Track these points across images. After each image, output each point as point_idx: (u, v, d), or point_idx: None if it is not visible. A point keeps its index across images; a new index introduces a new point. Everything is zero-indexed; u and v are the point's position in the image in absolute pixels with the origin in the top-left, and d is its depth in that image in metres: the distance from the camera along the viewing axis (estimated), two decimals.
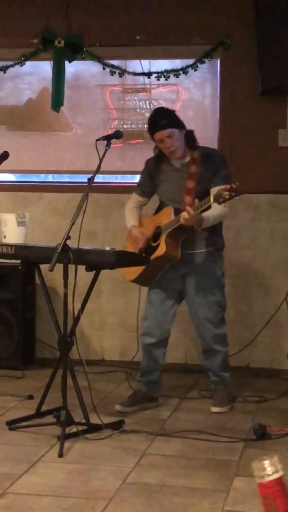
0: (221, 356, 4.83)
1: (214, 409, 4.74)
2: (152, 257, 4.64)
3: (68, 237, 4.09)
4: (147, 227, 4.81)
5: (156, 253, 4.65)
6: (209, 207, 4.37)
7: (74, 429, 4.16)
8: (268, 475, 1.45)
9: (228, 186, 4.18)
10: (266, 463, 1.45)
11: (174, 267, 4.68)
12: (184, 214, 4.41)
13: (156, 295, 4.80)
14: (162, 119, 4.64)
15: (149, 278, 4.77)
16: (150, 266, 4.64)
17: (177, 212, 4.56)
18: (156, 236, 4.73)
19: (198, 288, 4.72)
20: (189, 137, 4.70)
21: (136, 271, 4.73)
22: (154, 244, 4.71)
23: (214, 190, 4.50)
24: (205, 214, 4.44)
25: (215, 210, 4.47)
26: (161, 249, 4.62)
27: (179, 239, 4.62)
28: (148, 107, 6.05)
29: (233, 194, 4.17)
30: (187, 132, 4.70)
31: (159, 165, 4.77)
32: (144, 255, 4.67)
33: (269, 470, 1.45)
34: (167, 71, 5.79)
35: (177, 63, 5.83)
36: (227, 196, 4.18)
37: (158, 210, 4.85)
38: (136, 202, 4.94)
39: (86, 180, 4.27)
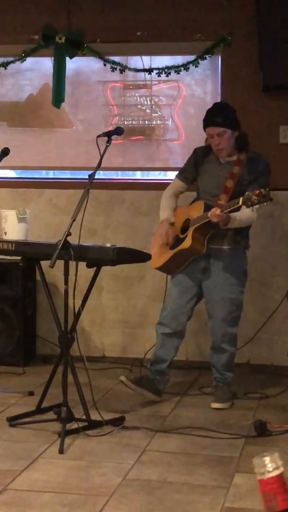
0: (227, 356, 4.83)
1: (215, 405, 4.75)
2: (178, 248, 4.72)
3: (69, 234, 4.09)
4: (179, 218, 4.85)
5: (182, 245, 4.71)
6: (238, 208, 4.43)
7: (74, 425, 4.16)
8: (269, 471, 1.45)
9: (257, 191, 4.25)
10: (267, 459, 1.45)
11: (196, 260, 4.73)
12: (213, 211, 4.48)
13: (175, 287, 4.84)
14: (218, 116, 4.68)
15: (173, 268, 4.83)
16: (175, 256, 4.73)
17: (207, 207, 4.62)
18: (185, 228, 4.77)
19: (216, 284, 4.75)
20: (241, 140, 4.73)
21: (162, 259, 4.81)
22: (181, 236, 4.77)
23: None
24: (232, 214, 4.51)
25: (243, 214, 4.56)
26: (187, 243, 4.68)
27: (206, 234, 4.66)
28: (149, 103, 6.04)
29: (261, 199, 4.25)
30: (240, 134, 4.73)
31: (206, 155, 4.82)
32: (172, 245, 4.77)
33: (269, 466, 1.45)
34: (168, 68, 5.78)
35: (178, 60, 5.82)
36: (255, 200, 4.26)
37: (193, 202, 4.89)
38: (175, 188, 4.97)
39: (87, 177, 4.27)
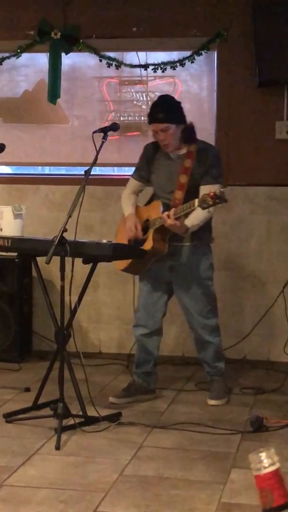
0: (213, 347, 4.82)
1: (211, 401, 4.74)
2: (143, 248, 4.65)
3: (65, 230, 4.09)
4: (139, 218, 4.79)
5: (144, 247, 4.63)
6: (191, 211, 4.39)
7: (71, 421, 4.16)
8: (265, 467, 1.45)
9: (212, 193, 4.20)
10: (263, 455, 1.46)
11: (161, 259, 4.67)
12: (165, 219, 4.44)
13: (145, 287, 4.81)
14: (161, 111, 4.58)
15: (138, 269, 4.78)
16: (136, 260, 4.64)
17: (165, 207, 4.56)
18: (145, 228, 4.71)
19: (184, 281, 4.72)
20: (187, 131, 4.65)
21: (125, 261, 4.73)
22: (143, 237, 4.69)
23: (202, 189, 4.50)
24: (189, 223, 4.46)
25: (199, 217, 4.48)
26: (148, 244, 4.61)
27: (167, 235, 4.59)
28: (145, 99, 6.03)
29: (217, 201, 4.20)
30: (186, 126, 4.65)
31: (156, 151, 4.75)
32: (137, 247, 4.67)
33: (265, 462, 1.45)
34: (164, 63, 5.78)
35: (174, 55, 5.82)
36: (210, 202, 4.21)
37: (150, 200, 4.83)
38: (133, 188, 4.90)
39: (82, 173, 4.26)
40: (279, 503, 1.43)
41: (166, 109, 4.60)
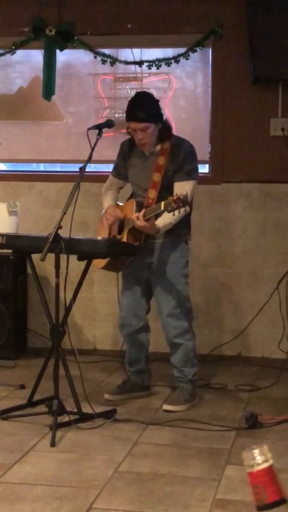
0: (183, 350, 4.65)
1: (165, 406, 4.57)
2: None
3: (60, 227, 4.08)
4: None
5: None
6: (161, 212, 4.29)
7: (66, 418, 4.16)
8: (258, 464, 1.45)
9: (175, 197, 4.11)
10: (256, 452, 1.46)
11: (140, 256, 4.61)
12: (135, 221, 4.36)
13: (126, 285, 4.76)
14: (141, 110, 4.47)
15: (116, 267, 4.74)
16: (114, 258, 4.60)
17: (139, 206, 4.52)
18: (121, 228, 4.68)
19: (159, 278, 4.64)
20: (164, 130, 4.56)
21: (103, 260, 4.65)
22: (118, 237, 4.65)
23: (176, 186, 4.46)
24: (161, 223, 4.36)
25: (171, 216, 4.29)
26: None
27: (142, 234, 4.51)
28: None
29: (180, 204, 4.10)
30: (163, 124, 4.56)
31: (132, 149, 4.68)
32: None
33: (258, 459, 1.45)
34: (158, 60, 5.77)
35: (169, 52, 5.81)
36: (174, 206, 4.11)
37: (130, 197, 4.80)
38: (111, 184, 4.86)
39: (77, 169, 4.27)
40: (272, 500, 1.43)
41: (146, 107, 4.50)
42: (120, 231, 4.67)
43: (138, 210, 4.47)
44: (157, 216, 4.36)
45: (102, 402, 4.56)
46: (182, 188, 4.38)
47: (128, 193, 4.85)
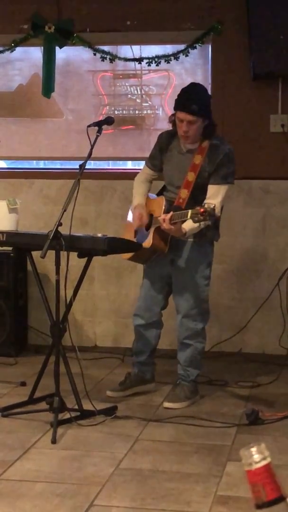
0: (190, 351, 4.64)
1: (166, 404, 4.58)
2: (142, 246, 4.59)
3: (60, 224, 4.08)
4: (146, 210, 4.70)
5: (144, 244, 4.58)
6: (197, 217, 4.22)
7: (67, 415, 4.16)
8: (256, 462, 1.45)
9: (202, 209, 4.05)
10: (254, 450, 1.46)
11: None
12: (161, 222, 4.34)
13: (146, 278, 4.77)
14: (195, 103, 4.38)
15: (141, 261, 4.76)
16: (140, 252, 4.60)
17: (169, 204, 4.50)
18: (149, 223, 4.65)
19: (179, 277, 4.62)
20: (208, 129, 4.48)
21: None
22: (145, 232, 4.64)
23: (210, 188, 4.43)
24: (188, 227, 4.28)
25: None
26: (148, 242, 4.56)
27: (168, 235, 4.47)
28: (139, 92, 6.03)
29: (206, 217, 4.06)
30: (209, 123, 4.48)
31: (170, 142, 4.60)
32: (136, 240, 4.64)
33: (256, 457, 1.46)
34: (158, 57, 5.76)
35: (168, 49, 5.81)
36: (201, 218, 4.08)
37: (161, 191, 4.75)
38: (145, 175, 4.78)
39: (77, 167, 4.26)
40: (271, 497, 1.44)
41: (200, 101, 4.43)
42: (148, 227, 4.63)
43: (168, 209, 4.43)
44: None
45: (103, 399, 4.57)
46: (216, 191, 4.38)
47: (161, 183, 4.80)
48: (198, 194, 4.40)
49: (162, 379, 5.06)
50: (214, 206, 4.11)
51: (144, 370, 4.83)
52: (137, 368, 4.83)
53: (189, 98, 4.43)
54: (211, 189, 4.44)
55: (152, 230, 4.57)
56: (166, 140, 4.63)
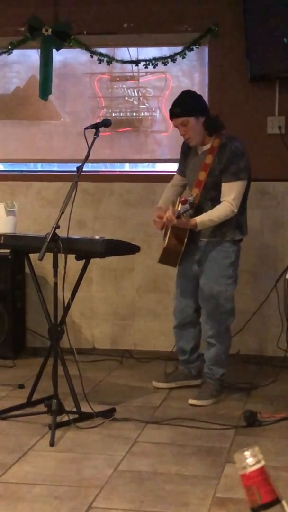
0: (214, 351, 4.73)
1: (191, 401, 4.64)
2: (163, 247, 4.73)
3: (58, 226, 4.09)
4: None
5: (164, 244, 4.72)
6: (189, 210, 4.42)
7: (65, 417, 4.16)
8: (250, 465, 1.46)
9: (183, 198, 4.27)
10: (247, 454, 1.47)
11: (190, 253, 4.70)
12: (167, 217, 4.48)
13: (178, 279, 4.88)
14: (177, 106, 4.62)
15: (170, 263, 4.80)
16: (164, 254, 4.72)
17: (184, 202, 4.57)
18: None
19: (203, 276, 4.70)
20: (209, 123, 4.60)
21: (160, 255, 4.78)
22: (166, 232, 4.77)
23: (223, 186, 4.54)
24: (199, 219, 4.47)
25: (215, 211, 4.51)
26: (166, 242, 4.69)
27: (185, 232, 4.61)
28: (136, 95, 6.03)
29: (187, 207, 4.28)
30: (208, 118, 4.62)
31: (190, 148, 4.76)
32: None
33: (250, 461, 1.46)
34: (155, 59, 5.77)
35: (165, 51, 5.81)
36: (188, 207, 4.30)
37: None
38: (174, 181, 4.96)
39: (75, 169, 4.26)
40: (266, 500, 1.45)
41: (182, 102, 4.63)
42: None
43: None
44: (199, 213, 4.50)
45: (101, 401, 4.57)
46: (228, 189, 4.50)
47: None
48: (212, 194, 4.54)
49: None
50: (193, 197, 4.36)
51: (189, 367, 4.94)
52: (182, 366, 4.95)
53: (173, 105, 4.68)
54: (224, 187, 4.55)
55: (168, 230, 4.68)
56: (187, 147, 4.80)
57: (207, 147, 4.64)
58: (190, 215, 4.45)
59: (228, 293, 4.70)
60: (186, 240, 4.63)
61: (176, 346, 4.98)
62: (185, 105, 4.61)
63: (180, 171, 4.91)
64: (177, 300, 4.90)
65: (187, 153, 4.80)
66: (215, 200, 4.53)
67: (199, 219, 4.48)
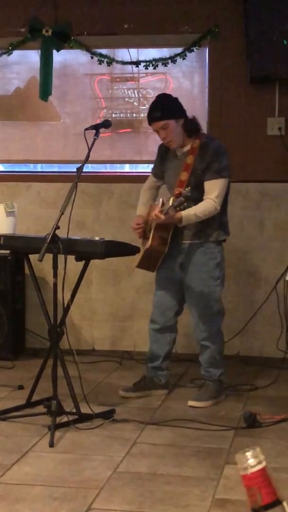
0: (209, 352, 4.72)
1: (190, 402, 4.63)
2: (144, 249, 4.64)
3: (57, 227, 4.09)
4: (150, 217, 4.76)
5: (146, 246, 4.64)
6: (181, 206, 4.35)
7: (64, 419, 4.16)
8: (251, 466, 1.46)
9: (177, 192, 4.24)
10: (249, 454, 1.46)
11: (172, 256, 4.65)
12: (152, 214, 4.46)
13: (158, 284, 4.82)
14: (156, 110, 4.59)
15: (150, 267, 4.76)
16: (145, 257, 4.65)
17: (163, 204, 4.54)
18: (149, 228, 4.72)
19: (190, 279, 4.66)
20: (188, 125, 4.61)
21: (138, 259, 4.72)
22: (148, 236, 4.70)
23: (206, 185, 4.52)
24: (185, 212, 4.41)
25: (200, 207, 4.47)
26: (148, 243, 4.62)
27: (169, 232, 4.56)
28: (136, 96, 6.03)
29: (182, 199, 4.24)
30: (186, 120, 4.62)
31: (167, 150, 4.74)
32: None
33: (251, 461, 1.46)
34: (155, 60, 5.77)
35: (165, 52, 5.81)
36: (183, 200, 4.26)
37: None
38: (149, 183, 4.94)
39: (75, 170, 4.26)
40: (267, 501, 1.44)
41: (161, 106, 4.61)
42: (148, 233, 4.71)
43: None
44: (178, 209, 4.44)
45: (101, 402, 4.56)
46: (211, 187, 4.48)
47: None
48: (193, 193, 4.44)
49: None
50: (188, 189, 4.28)
51: (158, 375, 4.85)
52: (152, 373, 4.85)
53: (151, 109, 4.67)
54: (206, 185, 4.53)
55: (151, 231, 4.62)
56: (165, 148, 4.76)
57: (187, 148, 4.63)
58: (185, 208, 4.40)
59: (216, 294, 4.69)
60: (169, 240, 4.58)
61: (149, 350, 4.87)
62: (164, 109, 4.59)
63: (155, 174, 4.88)
64: (157, 305, 4.81)
65: (164, 156, 4.77)
66: (198, 200, 4.49)
67: (184, 213, 4.41)
